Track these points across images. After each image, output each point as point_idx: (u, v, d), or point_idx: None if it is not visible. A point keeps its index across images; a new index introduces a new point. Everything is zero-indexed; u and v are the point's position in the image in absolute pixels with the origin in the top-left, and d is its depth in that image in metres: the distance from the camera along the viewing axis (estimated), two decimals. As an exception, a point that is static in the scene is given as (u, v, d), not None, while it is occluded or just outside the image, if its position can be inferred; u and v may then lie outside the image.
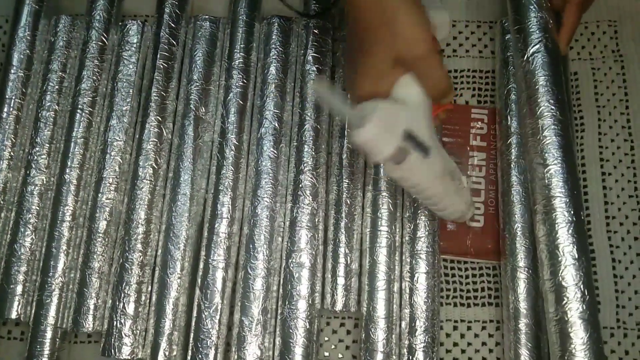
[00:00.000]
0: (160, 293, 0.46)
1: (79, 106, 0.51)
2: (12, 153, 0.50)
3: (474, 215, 0.51)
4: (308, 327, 0.45)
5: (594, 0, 0.48)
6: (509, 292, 0.46)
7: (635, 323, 0.49)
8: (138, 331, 0.46)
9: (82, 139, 0.50)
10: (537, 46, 0.45)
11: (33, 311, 0.47)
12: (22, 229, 0.48)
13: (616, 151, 0.53)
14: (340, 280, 0.47)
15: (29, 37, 0.53)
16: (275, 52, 0.52)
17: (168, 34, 0.52)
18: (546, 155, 0.43)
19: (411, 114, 0.37)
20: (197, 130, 0.50)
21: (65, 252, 0.48)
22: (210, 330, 0.45)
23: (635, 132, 0.53)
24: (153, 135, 0.50)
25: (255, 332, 0.45)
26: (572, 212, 0.42)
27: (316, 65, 0.51)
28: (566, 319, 0.40)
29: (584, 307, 0.40)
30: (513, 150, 0.49)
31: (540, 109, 0.44)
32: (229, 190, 0.48)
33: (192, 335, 0.45)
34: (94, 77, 0.52)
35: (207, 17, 0.53)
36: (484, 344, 0.49)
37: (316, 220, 0.48)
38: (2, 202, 0.49)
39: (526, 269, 0.46)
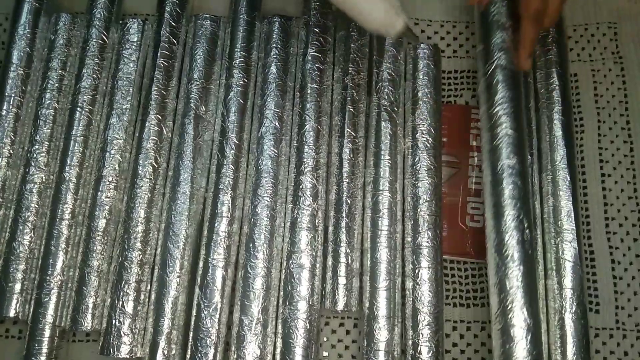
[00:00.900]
0: (160, 292, 0.46)
1: (79, 104, 0.51)
2: (11, 151, 0.50)
3: (474, 215, 0.51)
4: (308, 327, 0.45)
5: (556, 16, 0.48)
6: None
7: (634, 324, 0.49)
8: (137, 330, 0.46)
9: (82, 137, 0.50)
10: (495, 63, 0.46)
11: (31, 309, 0.47)
12: (21, 227, 0.48)
13: (616, 152, 0.53)
14: (342, 280, 0.47)
15: (29, 35, 0.53)
16: (276, 51, 0.52)
17: (168, 32, 0.52)
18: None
19: None
20: (197, 129, 0.50)
21: (64, 251, 0.48)
22: (210, 329, 0.45)
23: (634, 134, 0.53)
24: (153, 133, 0.49)
25: (254, 332, 0.45)
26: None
27: (317, 65, 0.51)
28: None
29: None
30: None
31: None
32: (229, 189, 0.48)
33: (191, 334, 0.45)
34: (94, 75, 0.51)
35: (207, 16, 0.53)
36: (483, 344, 0.49)
37: (316, 221, 0.48)
38: (1, 199, 0.49)
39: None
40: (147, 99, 0.50)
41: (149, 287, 0.47)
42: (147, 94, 0.50)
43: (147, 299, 0.47)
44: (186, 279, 0.47)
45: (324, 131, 0.50)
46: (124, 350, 0.45)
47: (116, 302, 0.46)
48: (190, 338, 0.45)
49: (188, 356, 0.45)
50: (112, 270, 0.47)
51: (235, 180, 0.49)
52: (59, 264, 0.47)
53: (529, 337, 0.40)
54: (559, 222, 0.47)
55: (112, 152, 0.49)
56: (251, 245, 0.47)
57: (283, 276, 0.47)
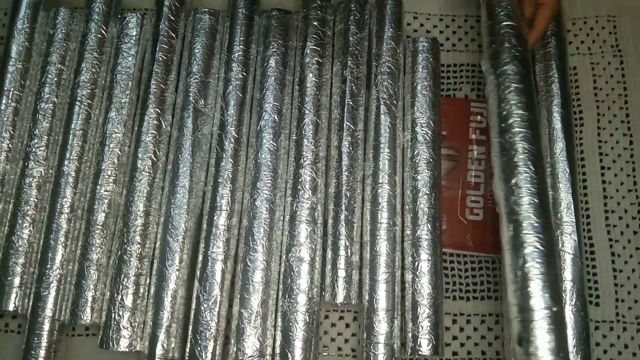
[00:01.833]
0: (159, 285, 0.46)
1: (78, 98, 0.50)
2: (10, 145, 0.50)
3: (473, 209, 0.51)
4: (308, 320, 0.45)
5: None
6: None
7: (634, 317, 0.49)
8: (136, 323, 0.46)
9: (81, 131, 0.50)
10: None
11: (31, 303, 0.47)
12: (20, 221, 0.48)
13: (615, 145, 0.53)
14: (341, 273, 0.47)
15: (27, 30, 0.53)
16: (275, 45, 0.52)
17: (167, 26, 0.52)
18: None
19: None
20: (196, 123, 0.50)
21: (63, 244, 0.48)
22: (209, 322, 0.45)
23: (634, 127, 0.53)
24: (152, 127, 0.49)
25: (254, 325, 0.45)
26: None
27: (316, 58, 0.51)
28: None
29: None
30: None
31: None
32: (228, 182, 0.48)
33: (190, 327, 0.45)
34: (93, 70, 0.51)
35: (206, 10, 0.53)
36: (483, 337, 0.49)
37: (316, 214, 0.48)
38: (0, 193, 0.49)
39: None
40: (146, 93, 0.50)
41: (148, 281, 0.47)
42: (146, 88, 0.50)
43: (146, 293, 0.47)
44: (185, 273, 0.47)
45: (323, 124, 0.50)
46: (124, 343, 0.45)
47: (115, 295, 0.46)
48: (190, 331, 0.45)
49: (187, 349, 0.45)
50: (111, 264, 0.47)
51: (235, 174, 0.48)
52: (58, 258, 0.47)
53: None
54: (559, 215, 0.47)
55: (111, 146, 0.49)
56: (250, 238, 0.47)
57: (282, 269, 0.47)
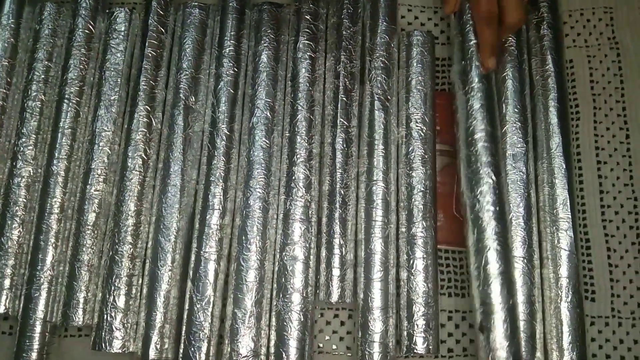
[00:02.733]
0: (151, 286, 0.45)
1: (66, 96, 0.50)
2: (-3, 144, 0.49)
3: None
4: (302, 319, 0.45)
5: (519, 16, 0.48)
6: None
7: (630, 312, 0.49)
8: (129, 324, 0.45)
9: (70, 130, 0.49)
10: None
11: (21, 305, 0.46)
12: (9, 222, 0.47)
13: (612, 140, 0.52)
14: (336, 272, 0.46)
15: (13, 25, 0.51)
16: (267, 40, 0.51)
17: (157, 21, 0.51)
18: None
19: None
20: (187, 120, 0.49)
21: (53, 245, 0.47)
22: (203, 322, 0.45)
23: (630, 120, 0.53)
24: (142, 125, 0.48)
25: (248, 325, 0.44)
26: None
27: (308, 53, 0.50)
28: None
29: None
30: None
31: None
32: (221, 181, 0.47)
33: (184, 328, 0.45)
34: (81, 66, 0.50)
35: (196, 4, 0.52)
36: (478, 334, 0.49)
37: (310, 212, 0.47)
38: (-12, 194, 0.48)
39: (522, 259, 0.45)
40: (136, 90, 0.49)
41: (140, 281, 0.46)
42: (136, 85, 0.49)
43: (138, 293, 0.46)
44: (178, 273, 0.46)
45: (316, 121, 0.49)
46: (117, 345, 0.44)
47: (107, 296, 0.45)
48: (183, 332, 0.45)
49: (181, 350, 0.44)
50: (102, 265, 0.46)
51: (227, 172, 0.48)
52: (49, 259, 0.47)
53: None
54: (555, 211, 0.47)
55: (101, 144, 0.48)
56: (244, 237, 0.46)
57: (276, 268, 0.46)
